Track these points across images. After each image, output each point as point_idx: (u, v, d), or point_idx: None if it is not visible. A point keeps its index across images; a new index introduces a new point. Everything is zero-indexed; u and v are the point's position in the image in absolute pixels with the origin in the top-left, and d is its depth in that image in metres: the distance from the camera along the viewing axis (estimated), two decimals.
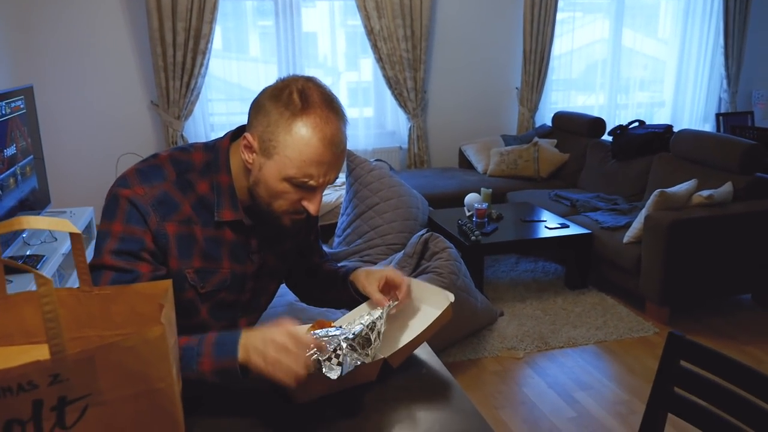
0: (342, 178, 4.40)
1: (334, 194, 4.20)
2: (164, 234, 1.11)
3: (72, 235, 0.81)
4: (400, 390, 1.08)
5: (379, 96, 5.11)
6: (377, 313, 1.12)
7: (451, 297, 1.15)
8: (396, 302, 1.17)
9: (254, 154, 1.11)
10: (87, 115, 4.43)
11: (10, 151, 2.82)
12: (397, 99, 4.94)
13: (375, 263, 3.36)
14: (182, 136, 4.56)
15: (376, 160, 4.56)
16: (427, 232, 3.03)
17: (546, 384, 2.67)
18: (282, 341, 0.94)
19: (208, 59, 4.47)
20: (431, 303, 1.20)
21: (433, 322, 1.12)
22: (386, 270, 1.23)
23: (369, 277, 1.25)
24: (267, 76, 4.83)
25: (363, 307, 1.30)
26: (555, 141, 4.91)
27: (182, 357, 0.97)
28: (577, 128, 4.85)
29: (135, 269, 1.06)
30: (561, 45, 5.42)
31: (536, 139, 4.80)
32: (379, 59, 4.81)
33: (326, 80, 4.89)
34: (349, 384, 1.05)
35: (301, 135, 1.06)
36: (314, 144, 1.06)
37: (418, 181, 4.44)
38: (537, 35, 5.13)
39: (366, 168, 3.73)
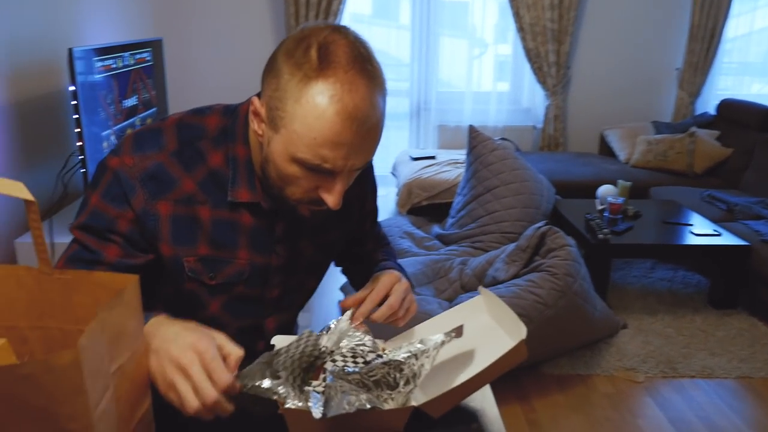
0: (460, 155, 4.12)
1: (454, 171, 3.93)
2: (153, 215, 0.92)
3: (27, 202, 0.65)
4: None
5: (516, 70, 4.71)
6: (431, 342, 0.87)
7: (524, 332, 0.87)
8: (452, 336, 0.88)
9: (263, 124, 0.88)
10: (217, 70, 4.48)
11: (130, 101, 2.85)
12: (536, 74, 4.52)
13: (486, 251, 3.07)
14: None
15: (501, 138, 4.21)
16: (545, 225, 2.69)
17: (667, 419, 2.27)
18: (185, 363, 0.73)
19: (339, 22, 4.33)
20: (498, 335, 0.92)
21: (495, 363, 0.84)
22: (397, 286, 1.05)
23: (374, 282, 1.06)
24: (398, 45, 4.61)
25: (428, 327, 1.06)
26: (717, 133, 4.25)
27: None
28: (746, 120, 4.15)
29: (98, 250, 0.90)
30: (737, 25, 4.67)
31: (694, 128, 4.18)
32: (520, 29, 4.41)
33: (472, 52, 4.63)
34: (362, 429, 0.82)
35: (314, 105, 0.79)
36: (329, 117, 0.80)
37: (549, 166, 4.04)
38: (709, 10, 4.44)
39: (489, 146, 3.43)
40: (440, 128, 4.68)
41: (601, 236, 2.94)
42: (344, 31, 0.84)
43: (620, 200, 3.25)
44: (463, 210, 3.42)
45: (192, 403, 0.73)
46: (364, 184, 1.13)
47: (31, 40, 2.47)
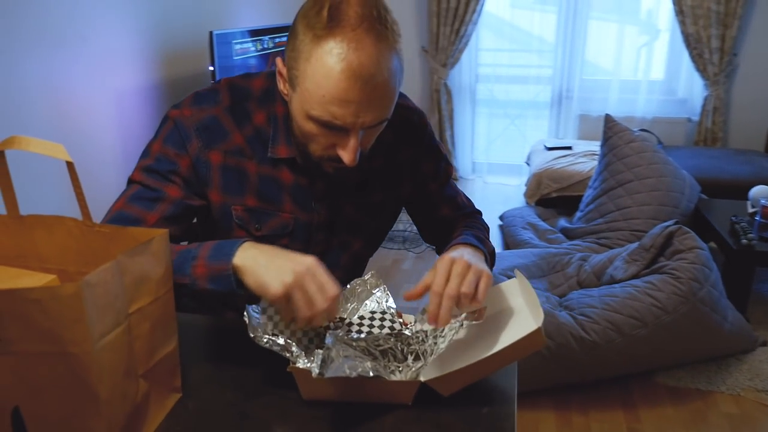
0: (598, 147, 3.90)
1: (590, 163, 3.74)
2: (206, 162, 1.00)
3: (67, 164, 0.75)
4: (436, 428, 0.80)
5: (672, 56, 4.34)
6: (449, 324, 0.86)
7: (541, 319, 0.83)
8: (472, 320, 0.87)
9: (286, 84, 0.93)
10: None
11: None
12: (694, 61, 4.14)
13: (612, 248, 2.90)
14: (445, 84, 4.50)
15: (641, 130, 3.92)
16: (674, 225, 2.48)
17: None
18: (301, 276, 0.81)
19: (482, 6, 4.27)
20: (522, 320, 0.89)
21: (509, 347, 0.82)
22: (454, 268, 0.88)
23: (441, 260, 0.92)
24: (542, 27, 4.44)
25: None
26: None
27: (176, 259, 0.88)
28: None
29: (161, 189, 0.98)
30: None
31: None
32: (680, 11, 4.05)
33: (638, 39, 4.29)
34: (369, 398, 0.83)
35: (321, 64, 0.83)
36: (335, 76, 0.83)
37: (698, 162, 3.70)
38: None
39: (625, 138, 3.22)
40: (581, 118, 4.47)
41: (744, 241, 2.64)
42: None
43: None
44: (592, 203, 3.25)
45: (305, 311, 0.80)
46: (417, 147, 1.13)
47: (182, 24, 2.74)
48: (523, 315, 0.88)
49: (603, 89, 4.42)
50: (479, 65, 4.60)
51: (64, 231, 0.80)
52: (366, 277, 0.99)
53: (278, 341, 0.80)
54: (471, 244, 1.01)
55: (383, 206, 1.15)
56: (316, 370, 0.75)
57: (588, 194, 3.34)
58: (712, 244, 2.98)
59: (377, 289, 0.98)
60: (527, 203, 3.83)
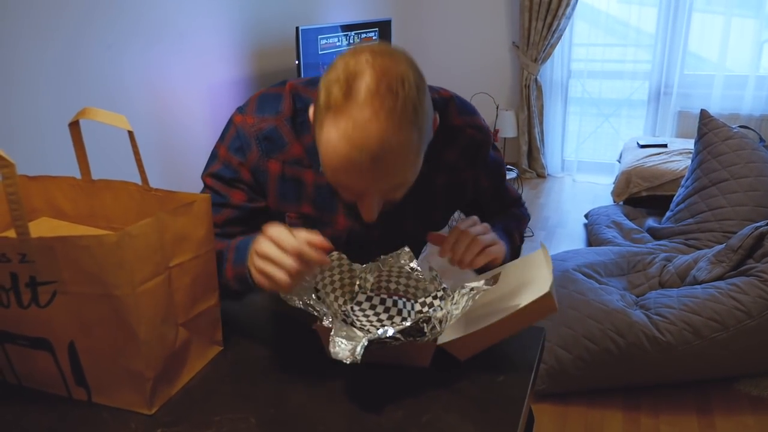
0: (690, 143, 3.70)
1: (684, 162, 3.57)
2: (264, 171, 1.03)
3: (129, 133, 0.85)
4: (449, 392, 0.84)
5: None
6: (464, 290, 0.88)
7: (547, 285, 0.83)
8: (484, 286, 0.87)
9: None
10: (446, 52, 4.65)
11: None
12: None
13: (698, 248, 2.77)
14: (536, 79, 4.44)
15: (741, 126, 3.68)
16: (766, 225, 2.34)
17: None
18: (262, 249, 0.82)
19: (576, 0, 4.17)
20: (533, 288, 0.90)
21: (519, 311, 0.84)
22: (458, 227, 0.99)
23: (455, 227, 1.00)
24: (640, 20, 4.27)
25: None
26: None
27: (217, 262, 0.93)
28: None
29: (226, 195, 1.04)
30: None
31: None
32: None
33: (747, 32, 3.97)
34: (389, 360, 0.89)
35: (328, 137, 0.84)
36: (339, 151, 0.84)
37: None
38: None
39: (722, 135, 3.05)
40: (680, 114, 4.26)
41: None
42: (380, 57, 0.84)
43: None
44: (683, 203, 3.11)
45: (281, 278, 0.80)
46: (475, 165, 1.13)
47: (271, 20, 2.90)
48: (539, 283, 0.90)
49: (705, 85, 4.19)
50: (572, 60, 4.49)
51: (126, 194, 0.92)
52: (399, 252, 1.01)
53: (304, 298, 0.87)
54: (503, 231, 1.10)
55: (443, 221, 1.18)
56: (342, 353, 0.77)
57: (680, 193, 3.19)
58: None
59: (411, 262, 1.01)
60: (614, 202, 3.71)
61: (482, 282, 0.88)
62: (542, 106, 4.53)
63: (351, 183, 0.87)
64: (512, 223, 1.20)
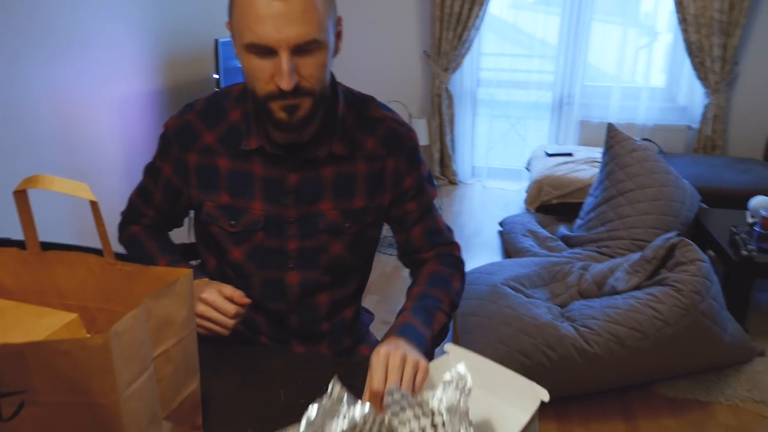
0: (598, 154, 3.91)
1: (590, 171, 3.76)
2: (185, 164, 1.13)
3: (91, 203, 0.76)
4: None
5: (674, 64, 4.36)
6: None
7: (544, 394, 0.80)
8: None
9: (233, 37, 1.02)
10: (359, 60, 4.63)
11: None
12: (696, 69, 4.15)
13: (612, 257, 2.92)
14: (447, 88, 4.51)
15: (644, 139, 3.94)
16: (676, 236, 2.50)
17: None
18: (200, 311, 0.98)
19: (485, 11, 4.28)
20: (511, 408, 0.83)
21: None
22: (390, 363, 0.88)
23: (377, 355, 0.90)
24: (545, 28, 4.44)
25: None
26: None
27: (140, 248, 1.12)
28: None
29: (152, 192, 1.21)
30: None
31: None
32: (683, 20, 4.07)
33: (639, 41, 4.25)
34: None
35: None
36: None
37: (698, 170, 3.72)
38: None
39: (627, 147, 3.23)
40: (582, 124, 4.48)
41: (744, 252, 2.66)
42: None
43: None
44: (592, 212, 3.27)
45: (221, 330, 1.00)
46: (400, 159, 1.16)
47: (187, 31, 2.74)
48: (508, 405, 0.83)
49: (604, 95, 4.43)
50: (481, 69, 4.61)
51: (84, 268, 0.81)
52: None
53: None
54: (406, 338, 0.98)
55: (364, 213, 1.16)
56: None
57: (589, 202, 3.35)
58: (711, 253, 3.00)
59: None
60: (527, 209, 3.84)
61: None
62: (453, 114, 4.62)
63: (264, 33, 0.92)
64: (437, 293, 1.14)
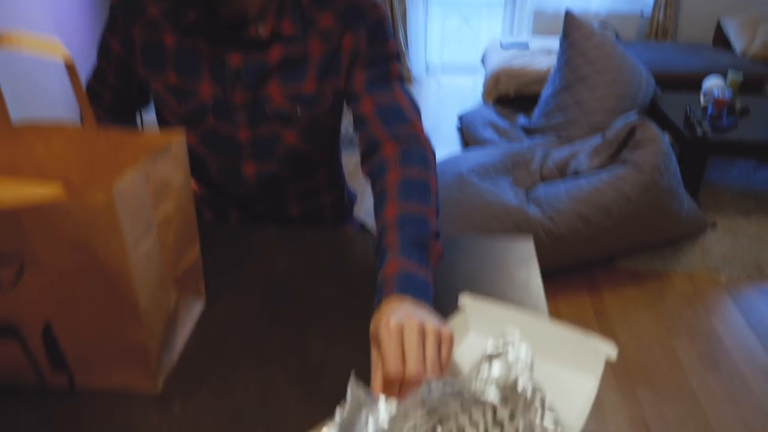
0: (556, 43, 3.88)
1: (547, 61, 3.74)
2: (130, 38, 1.03)
3: (66, 65, 0.69)
4: None
5: None
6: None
7: (612, 350, 0.65)
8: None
9: None
10: None
11: None
12: None
13: (572, 142, 2.96)
14: None
15: (601, 25, 3.91)
16: (637, 118, 2.54)
17: (746, 321, 2.20)
18: None
19: None
20: (572, 373, 0.66)
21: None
22: (407, 338, 0.64)
23: (386, 329, 0.65)
24: None
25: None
26: None
27: None
28: None
29: (105, 71, 1.09)
30: None
31: None
32: None
33: None
34: None
35: None
36: None
37: (652, 56, 3.75)
38: None
39: (585, 33, 3.20)
40: (536, 14, 4.41)
41: (699, 132, 2.74)
42: None
43: (728, 94, 2.98)
44: (551, 100, 3.28)
45: None
46: (362, 33, 1.00)
47: None
48: (569, 371, 0.67)
49: None
50: None
51: (64, 140, 0.75)
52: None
53: None
54: (412, 296, 0.73)
55: (316, 99, 1.04)
56: None
57: (547, 91, 3.35)
58: (667, 136, 3.08)
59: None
60: (485, 102, 3.82)
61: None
62: (405, 9, 4.46)
63: None
64: (419, 209, 0.85)
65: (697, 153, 2.77)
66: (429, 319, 0.67)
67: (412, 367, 0.62)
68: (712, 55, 3.85)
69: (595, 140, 2.65)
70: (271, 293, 0.86)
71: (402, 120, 0.97)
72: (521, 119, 3.48)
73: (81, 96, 0.71)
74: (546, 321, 0.68)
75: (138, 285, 0.63)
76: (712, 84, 3.16)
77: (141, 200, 0.64)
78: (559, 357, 0.67)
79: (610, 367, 1.99)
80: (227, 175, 1.10)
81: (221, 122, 1.04)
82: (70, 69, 0.69)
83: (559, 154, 2.80)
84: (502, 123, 3.43)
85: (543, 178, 2.75)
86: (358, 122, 1.01)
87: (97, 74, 1.12)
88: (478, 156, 2.81)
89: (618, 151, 2.54)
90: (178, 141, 0.72)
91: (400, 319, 0.66)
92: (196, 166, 1.11)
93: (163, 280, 0.69)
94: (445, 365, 0.65)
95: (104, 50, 1.07)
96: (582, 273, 2.43)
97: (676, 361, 2.01)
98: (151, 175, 0.66)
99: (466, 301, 0.74)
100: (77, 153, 0.76)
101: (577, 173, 2.58)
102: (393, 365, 0.63)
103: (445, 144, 3.63)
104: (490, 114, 3.57)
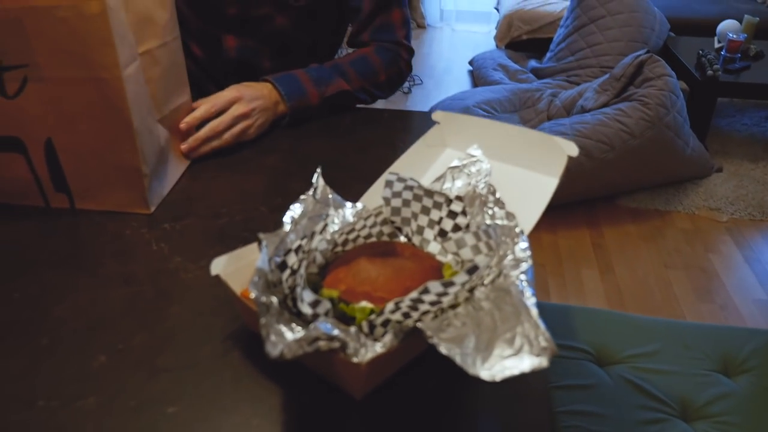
0: None
1: (560, 4, 3.69)
2: None
3: None
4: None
5: None
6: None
7: (572, 149, 0.65)
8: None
9: None
10: None
11: None
12: None
13: (579, 84, 2.95)
14: None
15: None
16: (646, 53, 2.52)
17: (743, 257, 2.22)
18: None
19: None
20: (534, 175, 0.67)
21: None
22: (235, 107, 0.88)
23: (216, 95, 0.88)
24: None
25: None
26: None
27: None
28: None
29: None
30: None
31: None
32: None
33: None
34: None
35: None
36: None
37: (668, 1, 3.69)
38: None
39: None
40: None
41: (709, 72, 2.72)
42: None
43: (742, 37, 2.94)
44: (563, 43, 3.25)
45: None
46: None
47: None
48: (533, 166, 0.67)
49: None
50: None
51: None
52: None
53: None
54: (274, 84, 0.93)
55: (309, 14, 1.04)
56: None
57: (559, 33, 3.32)
58: (679, 82, 3.05)
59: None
60: (497, 46, 3.80)
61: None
62: None
63: None
64: (351, 70, 1.02)
65: (707, 93, 2.75)
66: (255, 102, 0.89)
67: (217, 122, 0.85)
68: (730, 1, 3.78)
69: (603, 78, 2.63)
70: (256, 146, 0.90)
71: (388, 39, 1.07)
72: (532, 62, 3.46)
73: None
74: (516, 128, 0.69)
75: (131, 103, 0.66)
76: (727, 26, 3.12)
77: (123, 24, 0.66)
78: (523, 160, 0.69)
79: (603, 294, 2.02)
80: (207, 41, 1.07)
81: (204, 28, 1.02)
82: None
83: (567, 93, 2.79)
84: (512, 66, 3.41)
85: (550, 118, 2.75)
86: (353, 19, 1.06)
87: None
88: (485, 92, 2.81)
89: (625, 87, 2.53)
90: None
91: (237, 90, 0.88)
92: (180, 32, 1.08)
93: (151, 110, 0.73)
94: (227, 138, 0.87)
95: None
96: (583, 209, 2.45)
97: (670, 292, 2.04)
98: (130, 5, 0.68)
99: (439, 115, 0.75)
100: None
101: (583, 110, 2.58)
102: (210, 107, 0.85)
103: (454, 87, 3.62)
104: (501, 57, 3.55)
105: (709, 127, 2.83)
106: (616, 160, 2.34)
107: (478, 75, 3.47)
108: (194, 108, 0.85)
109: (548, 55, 3.35)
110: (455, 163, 0.64)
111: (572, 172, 2.31)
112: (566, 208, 2.44)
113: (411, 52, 1.10)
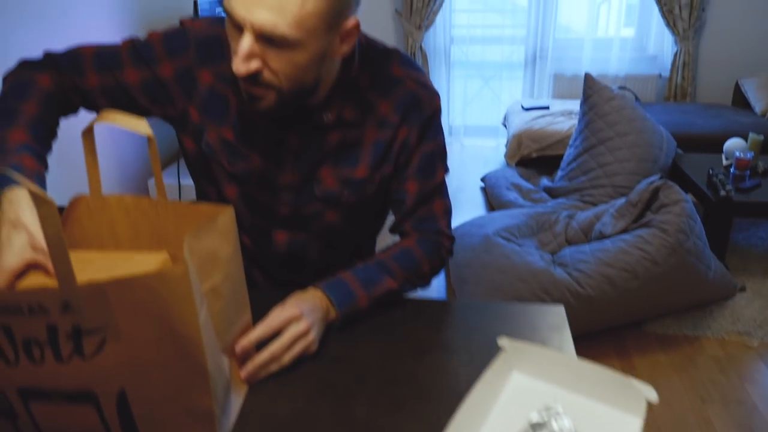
0: (576, 105, 3.97)
1: (567, 122, 3.81)
2: (193, 78, 0.98)
3: (148, 139, 0.75)
4: None
5: (643, 13, 4.41)
6: None
7: (652, 394, 0.67)
8: None
9: None
10: None
11: None
12: (665, 17, 4.21)
13: (596, 205, 2.99)
14: (421, 47, 4.49)
15: (620, 87, 4.00)
16: (660, 179, 2.58)
17: None
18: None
19: None
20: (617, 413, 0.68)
21: None
22: (293, 327, 0.87)
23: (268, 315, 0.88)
24: None
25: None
26: None
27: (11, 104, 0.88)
28: None
29: (123, 63, 0.96)
30: None
31: None
32: None
33: None
34: None
35: None
36: None
37: (672, 118, 3.81)
38: None
39: (605, 96, 3.28)
40: (556, 77, 4.52)
41: (723, 193, 2.76)
42: None
43: (749, 155, 3.01)
44: (573, 162, 3.33)
45: None
46: (416, 127, 1.03)
47: None
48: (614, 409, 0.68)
49: (576, 48, 4.47)
50: (453, 27, 4.59)
51: (139, 211, 0.81)
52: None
53: None
54: (326, 293, 0.94)
55: (365, 184, 1.05)
56: None
57: (569, 153, 3.41)
58: (690, 196, 3.10)
59: None
60: (508, 164, 3.89)
61: None
62: (428, 73, 4.60)
63: (235, 4, 0.80)
64: (395, 266, 1.03)
65: (722, 214, 2.78)
66: (308, 318, 0.88)
67: (275, 346, 0.84)
68: (731, 115, 3.90)
69: (619, 202, 2.68)
70: (312, 359, 0.90)
71: (430, 229, 1.09)
72: (544, 181, 3.53)
73: (158, 170, 0.77)
74: (583, 361, 0.71)
75: (208, 353, 0.67)
76: (734, 144, 3.20)
77: (194, 273, 0.68)
78: (601, 395, 0.69)
79: None
80: (258, 234, 1.10)
81: (264, 192, 1.05)
82: (152, 144, 0.76)
83: (583, 215, 2.83)
84: (525, 185, 3.48)
85: (568, 241, 2.77)
86: (397, 210, 1.10)
87: (105, 56, 0.98)
88: (503, 218, 2.85)
89: (642, 213, 2.57)
90: (225, 215, 0.76)
91: (291, 306, 0.88)
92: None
93: (217, 347, 0.73)
94: (285, 361, 0.85)
95: (141, 54, 0.98)
96: (610, 337, 2.42)
97: (711, 430, 1.97)
98: (195, 249, 0.70)
99: (505, 342, 0.79)
100: (149, 224, 0.82)
101: (602, 235, 2.61)
102: (266, 328, 0.85)
103: (469, 206, 3.68)
104: (514, 176, 3.63)
105: (727, 246, 2.85)
106: (641, 288, 2.34)
107: (491, 194, 3.54)
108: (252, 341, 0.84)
109: (559, 173, 3.42)
110: (535, 418, 0.63)
111: (597, 302, 2.30)
112: (593, 338, 2.41)
113: (452, 240, 1.12)
